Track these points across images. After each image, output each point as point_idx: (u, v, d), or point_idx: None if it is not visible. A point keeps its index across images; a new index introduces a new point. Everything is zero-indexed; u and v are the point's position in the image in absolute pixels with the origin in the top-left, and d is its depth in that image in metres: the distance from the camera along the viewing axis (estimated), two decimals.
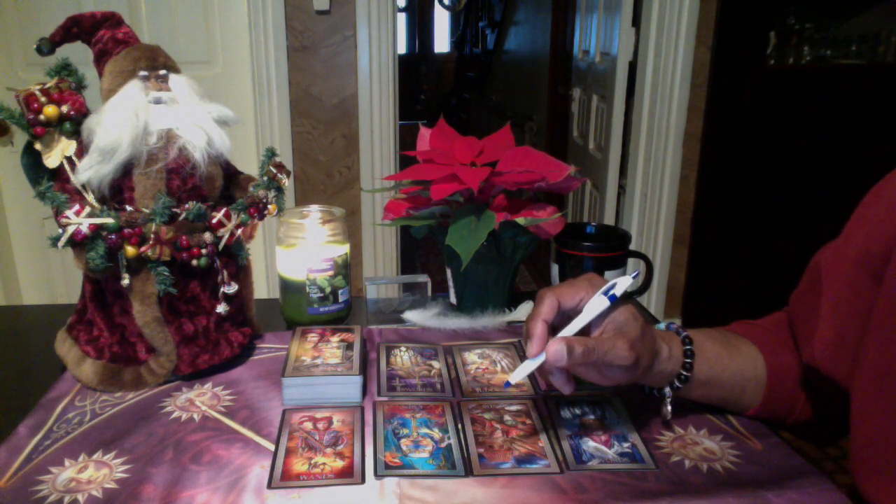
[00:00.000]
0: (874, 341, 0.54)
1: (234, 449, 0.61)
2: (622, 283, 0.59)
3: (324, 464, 0.59)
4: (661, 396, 0.65)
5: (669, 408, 0.64)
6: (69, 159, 0.69)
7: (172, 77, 0.72)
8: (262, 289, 2.37)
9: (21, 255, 2.36)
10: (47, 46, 0.71)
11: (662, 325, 0.66)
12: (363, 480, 0.57)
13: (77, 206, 0.66)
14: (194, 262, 0.70)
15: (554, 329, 0.59)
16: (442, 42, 7.69)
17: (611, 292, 0.58)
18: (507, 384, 0.60)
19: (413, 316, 0.90)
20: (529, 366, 0.58)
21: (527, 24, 4.82)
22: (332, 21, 2.26)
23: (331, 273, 0.84)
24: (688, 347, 0.63)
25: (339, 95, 2.34)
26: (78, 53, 0.73)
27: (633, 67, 2.46)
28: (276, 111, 2.29)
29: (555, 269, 0.93)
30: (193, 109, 0.72)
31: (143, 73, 0.70)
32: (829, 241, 0.64)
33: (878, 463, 0.53)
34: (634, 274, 0.62)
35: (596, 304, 0.58)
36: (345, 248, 0.86)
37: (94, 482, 0.56)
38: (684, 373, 0.62)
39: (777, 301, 0.75)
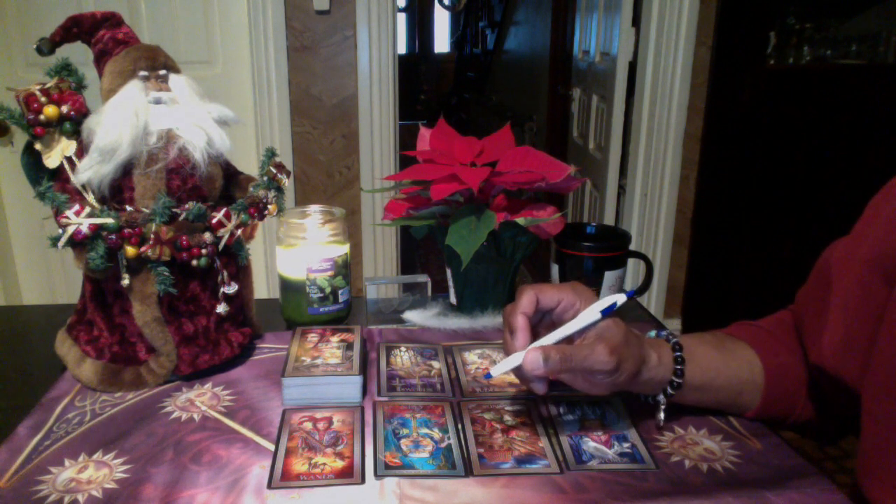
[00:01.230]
0: (886, 343, 0.54)
1: (234, 449, 0.61)
2: (619, 301, 0.59)
3: (324, 464, 0.59)
4: (655, 403, 0.65)
5: (662, 415, 0.64)
6: (69, 159, 0.69)
7: (172, 77, 0.73)
8: (262, 289, 2.37)
9: (21, 255, 2.36)
10: (47, 46, 0.71)
11: (653, 333, 0.66)
12: (363, 480, 0.57)
13: (77, 206, 0.66)
14: (194, 262, 0.70)
15: (532, 328, 0.60)
16: (442, 42, 7.69)
17: (605, 307, 0.59)
18: (488, 376, 0.61)
19: (413, 316, 0.90)
20: (515, 359, 0.58)
21: (527, 24, 4.82)
22: (332, 21, 2.26)
23: (331, 273, 0.84)
24: (678, 354, 0.62)
25: (339, 95, 2.34)
26: (78, 53, 0.72)
27: (633, 67, 2.46)
28: (276, 111, 2.29)
29: (555, 269, 0.93)
30: (193, 109, 0.72)
31: (143, 73, 0.70)
32: (837, 239, 0.63)
33: (885, 466, 0.53)
34: (630, 293, 0.63)
35: (587, 316, 0.59)
36: (345, 248, 0.86)
37: (94, 482, 0.56)
38: (676, 379, 0.62)
39: (777, 301, 0.75)
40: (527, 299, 0.60)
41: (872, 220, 0.59)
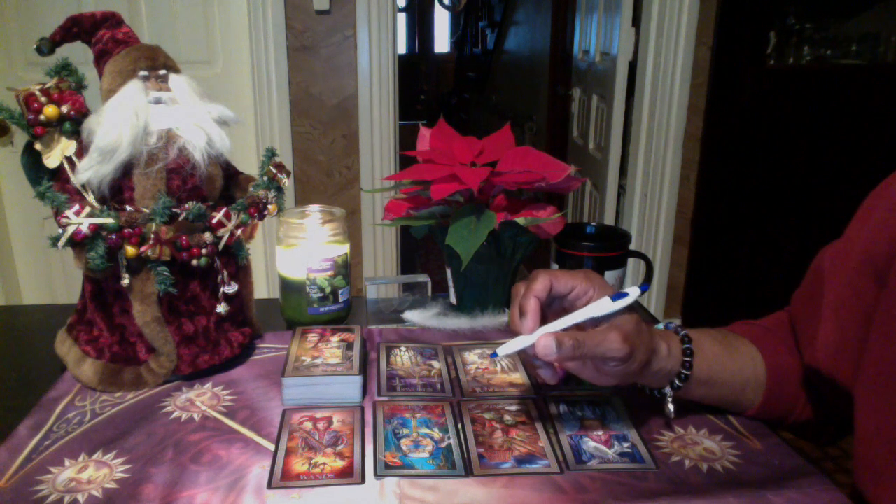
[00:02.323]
0: (877, 343, 0.54)
1: (234, 449, 0.61)
2: (633, 294, 0.59)
3: (324, 464, 0.59)
4: (661, 397, 0.65)
5: (672, 406, 0.64)
6: (69, 159, 0.69)
7: (172, 77, 0.73)
8: (262, 289, 2.37)
9: (21, 255, 2.36)
10: (47, 46, 0.71)
11: (661, 325, 0.66)
12: (363, 480, 0.57)
13: (77, 206, 0.66)
14: (194, 262, 0.70)
15: (543, 314, 0.59)
16: (442, 42, 7.68)
17: (619, 300, 0.58)
18: (494, 355, 0.59)
19: (413, 316, 0.90)
20: (522, 341, 0.58)
21: (527, 24, 4.82)
22: (332, 21, 2.26)
23: (331, 273, 0.84)
24: (687, 346, 0.62)
25: (339, 95, 2.34)
26: (78, 53, 0.73)
27: (633, 67, 2.46)
28: (276, 111, 2.29)
29: (555, 269, 0.93)
30: (193, 109, 0.72)
31: (143, 73, 0.70)
32: (831, 242, 0.64)
33: (880, 465, 0.53)
34: (644, 287, 0.62)
35: (600, 306, 0.58)
36: (345, 248, 0.86)
37: (94, 482, 0.56)
38: (684, 371, 0.62)
39: (777, 301, 0.75)
40: (541, 284, 0.59)
41: (863, 223, 0.59)
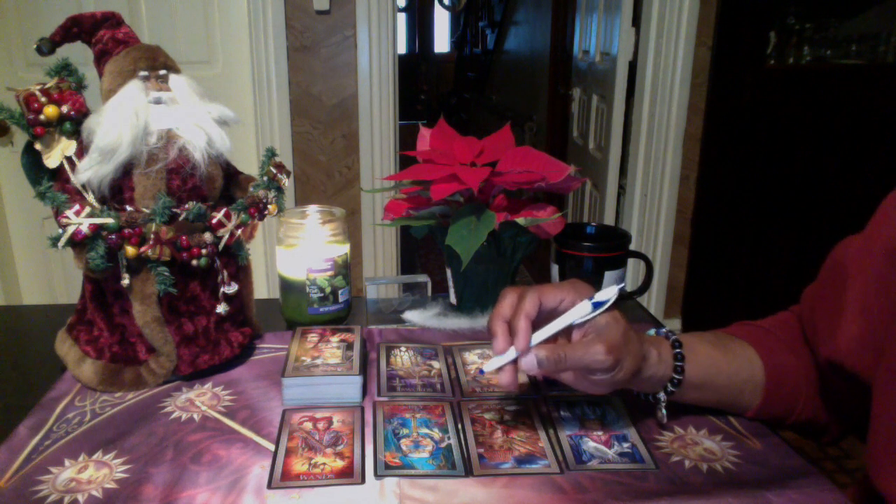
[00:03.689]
0: None
1: (234, 449, 0.61)
2: (609, 294, 0.59)
3: (324, 464, 0.59)
4: (655, 401, 0.65)
5: (664, 412, 0.64)
6: (69, 159, 0.69)
7: (172, 77, 0.73)
8: (262, 289, 2.37)
9: (21, 255, 2.36)
10: (47, 46, 0.71)
11: (652, 332, 0.66)
12: (363, 480, 0.57)
13: (77, 206, 0.66)
14: (194, 262, 0.70)
15: (533, 326, 0.60)
16: (442, 42, 7.69)
17: (595, 299, 0.58)
18: (482, 371, 0.61)
19: (413, 316, 0.90)
20: (506, 356, 0.58)
21: (527, 24, 4.82)
22: (332, 21, 2.26)
23: (331, 273, 0.84)
24: (678, 351, 0.62)
25: (339, 95, 2.34)
26: (78, 53, 0.72)
27: (633, 67, 2.46)
28: (276, 111, 2.29)
29: (555, 269, 0.93)
30: (193, 109, 0.72)
31: (143, 73, 0.70)
32: (846, 237, 0.63)
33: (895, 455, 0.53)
34: (622, 285, 0.63)
35: (578, 310, 0.59)
36: (345, 248, 0.86)
37: (94, 482, 0.56)
38: (676, 376, 0.62)
39: (777, 301, 0.75)
40: (531, 303, 0.59)
41: (887, 216, 0.59)
